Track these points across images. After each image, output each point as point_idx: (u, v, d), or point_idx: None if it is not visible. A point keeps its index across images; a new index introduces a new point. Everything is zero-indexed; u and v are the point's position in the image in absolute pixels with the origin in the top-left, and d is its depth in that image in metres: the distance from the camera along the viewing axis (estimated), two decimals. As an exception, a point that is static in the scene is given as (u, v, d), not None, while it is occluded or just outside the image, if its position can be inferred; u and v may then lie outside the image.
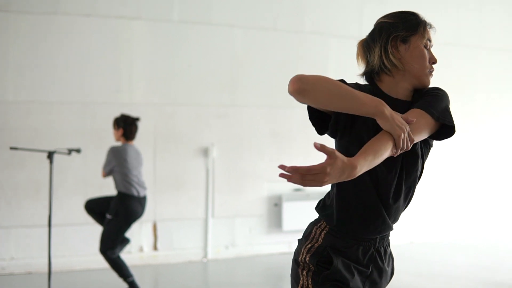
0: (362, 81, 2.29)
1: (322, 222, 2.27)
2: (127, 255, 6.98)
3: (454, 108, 8.15)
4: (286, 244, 7.98)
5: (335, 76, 2.31)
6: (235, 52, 7.88)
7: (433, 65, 2.30)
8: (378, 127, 2.06)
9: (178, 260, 7.59)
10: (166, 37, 7.60)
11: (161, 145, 7.51)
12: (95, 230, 6.64)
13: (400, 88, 2.23)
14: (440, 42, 8.90)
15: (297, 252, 2.29)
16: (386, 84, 2.22)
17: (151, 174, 7.39)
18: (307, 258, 2.22)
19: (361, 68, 2.27)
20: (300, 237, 2.34)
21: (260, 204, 7.92)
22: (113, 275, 6.13)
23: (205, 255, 7.74)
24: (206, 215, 7.73)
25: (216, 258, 7.76)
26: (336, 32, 8.25)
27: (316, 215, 2.36)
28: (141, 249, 7.42)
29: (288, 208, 7.89)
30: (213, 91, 7.78)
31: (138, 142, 7.09)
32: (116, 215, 5.75)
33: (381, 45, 2.19)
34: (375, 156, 1.97)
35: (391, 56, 2.17)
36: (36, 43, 7.02)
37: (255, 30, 7.95)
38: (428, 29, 2.27)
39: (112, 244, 5.74)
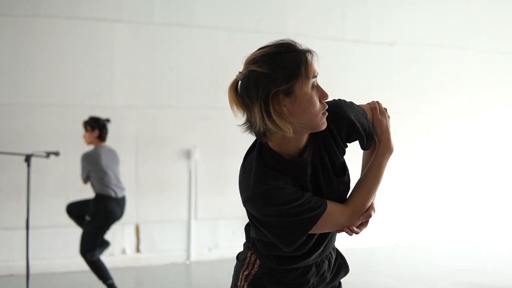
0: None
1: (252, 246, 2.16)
2: (109, 257, 6.98)
3: (440, 109, 8.16)
4: (270, 246, 7.98)
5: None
6: (217, 54, 7.88)
7: (326, 102, 1.92)
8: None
9: (160, 262, 7.58)
10: (148, 40, 7.60)
11: (143, 147, 7.51)
12: (76, 232, 6.62)
13: (295, 144, 1.95)
14: (424, 43, 8.99)
15: (235, 275, 2.18)
16: (278, 144, 1.93)
17: (133, 177, 7.39)
18: (245, 286, 2.12)
19: (239, 117, 1.92)
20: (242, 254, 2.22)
21: (243, 206, 7.90)
22: (93, 277, 6.12)
23: (188, 257, 7.74)
24: (189, 217, 7.73)
25: (199, 260, 7.76)
26: (318, 34, 8.27)
27: None
28: (123, 251, 7.42)
29: (271, 210, 7.88)
30: (196, 94, 7.78)
31: (120, 145, 7.09)
32: (94, 216, 5.75)
33: (260, 106, 1.81)
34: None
35: (275, 118, 1.81)
36: (17, 45, 7.01)
37: (238, 32, 7.96)
38: (311, 63, 1.87)
39: (91, 246, 5.73)
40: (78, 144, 7.04)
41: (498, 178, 9.53)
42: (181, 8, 7.71)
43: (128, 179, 7.25)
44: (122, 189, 5.93)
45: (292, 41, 1.89)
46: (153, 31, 7.57)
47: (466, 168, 9.34)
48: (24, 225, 6.65)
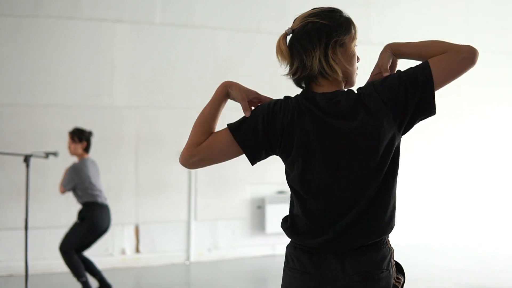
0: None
1: (387, 238, 2.26)
2: (109, 257, 7.00)
3: (440, 110, 8.21)
4: (270, 246, 7.96)
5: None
6: (218, 54, 7.88)
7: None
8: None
9: (160, 263, 7.58)
10: (149, 40, 7.60)
11: (143, 148, 7.51)
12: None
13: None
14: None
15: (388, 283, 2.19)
16: (324, 88, 2.19)
17: (133, 177, 7.39)
18: (399, 276, 2.25)
19: (283, 65, 2.26)
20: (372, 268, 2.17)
21: (243, 206, 7.92)
22: (91, 277, 6.11)
23: (188, 258, 7.74)
24: (189, 218, 7.72)
25: (199, 261, 7.76)
26: (319, 35, 8.25)
27: None
28: (123, 252, 7.42)
29: (271, 211, 7.89)
30: (196, 94, 7.77)
31: (120, 145, 7.09)
32: (84, 220, 5.83)
33: (320, 51, 2.15)
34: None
35: (331, 62, 2.15)
36: (18, 46, 7.02)
37: (239, 33, 7.96)
38: (356, 28, 2.28)
39: (70, 246, 5.84)
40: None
41: (499, 179, 9.52)
42: (182, 9, 7.71)
43: (128, 180, 7.25)
44: (105, 198, 6.04)
45: (340, 9, 2.28)
46: (154, 32, 7.57)
47: (468, 168, 9.33)
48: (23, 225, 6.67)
